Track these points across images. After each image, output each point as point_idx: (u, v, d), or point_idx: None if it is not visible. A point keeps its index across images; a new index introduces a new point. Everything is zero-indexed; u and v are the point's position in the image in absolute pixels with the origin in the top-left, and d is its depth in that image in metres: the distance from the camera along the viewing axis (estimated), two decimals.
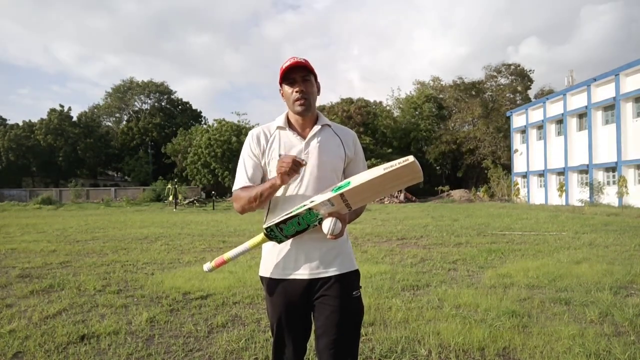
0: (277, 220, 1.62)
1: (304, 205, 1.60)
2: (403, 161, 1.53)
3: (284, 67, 1.68)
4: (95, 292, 4.89)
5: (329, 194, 1.59)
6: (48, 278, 5.61)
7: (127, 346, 3.20)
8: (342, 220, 1.60)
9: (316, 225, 1.61)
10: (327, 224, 1.57)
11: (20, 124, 47.07)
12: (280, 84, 1.75)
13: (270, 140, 1.76)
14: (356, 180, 1.60)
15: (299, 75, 1.69)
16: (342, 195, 1.56)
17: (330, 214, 1.59)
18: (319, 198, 1.60)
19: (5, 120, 49.38)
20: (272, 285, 1.73)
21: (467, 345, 3.12)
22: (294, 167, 1.52)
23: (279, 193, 1.72)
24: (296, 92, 1.69)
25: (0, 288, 5.16)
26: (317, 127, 1.76)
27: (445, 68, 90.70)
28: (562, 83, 32.85)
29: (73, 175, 46.51)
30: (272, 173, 1.73)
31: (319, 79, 1.79)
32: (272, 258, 1.74)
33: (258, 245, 1.71)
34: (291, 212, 1.60)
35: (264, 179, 1.79)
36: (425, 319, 3.74)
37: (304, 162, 1.55)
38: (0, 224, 15.11)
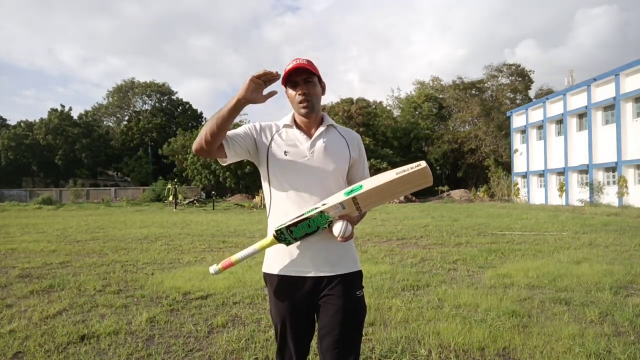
0: (288, 222, 1.61)
1: (316, 208, 1.60)
2: (416, 166, 1.56)
3: (286, 70, 1.68)
4: (95, 292, 4.89)
5: (341, 197, 1.59)
6: (48, 278, 5.62)
7: (127, 346, 3.20)
8: (352, 223, 1.61)
9: (325, 228, 1.61)
10: (339, 227, 1.58)
11: (21, 123, 47.05)
12: (284, 85, 1.74)
13: (275, 136, 1.76)
14: (368, 184, 1.61)
15: (301, 78, 1.69)
16: (354, 198, 1.58)
17: (340, 217, 1.60)
18: (331, 201, 1.60)
19: (5, 120, 49.41)
20: (277, 283, 1.73)
21: (467, 345, 3.12)
22: (258, 80, 1.48)
23: (284, 193, 1.71)
24: (299, 94, 1.69)
25: (0, 288, 5.16)
26: (322, 128, 1.76)
27: (443, 69, 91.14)
28: (558, 85, 32.91)
29: (73, 175, 46.46)
30: (275, 173, 1.73)
31: (322, 79, 1.78)
32: (277, 256, 1.73)
33: (267, 248, 1.71)
34: (303, 215, 1.60)
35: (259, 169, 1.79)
36: (425, 319, 3.74)
37: (275, 73, 1.49)
38: (0, 224, 15.10)
